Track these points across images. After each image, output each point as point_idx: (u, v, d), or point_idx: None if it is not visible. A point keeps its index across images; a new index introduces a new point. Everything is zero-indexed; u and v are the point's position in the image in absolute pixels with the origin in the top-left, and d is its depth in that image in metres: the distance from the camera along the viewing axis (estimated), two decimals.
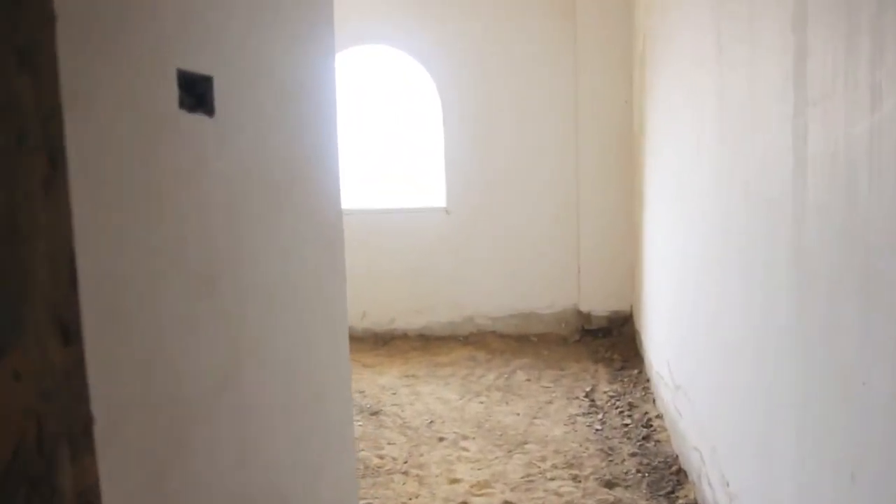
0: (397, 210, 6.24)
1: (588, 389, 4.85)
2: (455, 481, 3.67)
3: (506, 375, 5.24)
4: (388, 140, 6.76)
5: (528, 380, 5.12)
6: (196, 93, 1.42)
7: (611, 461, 3.79)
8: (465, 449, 4.05)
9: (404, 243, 6.20)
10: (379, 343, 6.21)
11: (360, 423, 4.45)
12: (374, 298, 6.29)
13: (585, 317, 6.01)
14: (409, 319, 6.28)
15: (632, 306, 5.90)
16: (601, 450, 3.93)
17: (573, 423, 4.32)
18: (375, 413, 4.63)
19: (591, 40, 5.72)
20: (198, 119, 1.43)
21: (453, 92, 5.98)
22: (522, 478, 3.67)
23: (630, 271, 5.85)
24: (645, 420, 4.24)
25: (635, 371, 5.12)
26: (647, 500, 3.37)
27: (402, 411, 4.64)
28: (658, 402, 4.32)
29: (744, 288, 2.40)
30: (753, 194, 2.25)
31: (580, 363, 5.43)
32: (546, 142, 5.94)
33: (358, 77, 6.41)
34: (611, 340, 5.88)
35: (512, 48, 5.88)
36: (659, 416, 4.20)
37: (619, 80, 5.71)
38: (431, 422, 4.43)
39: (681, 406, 3.50)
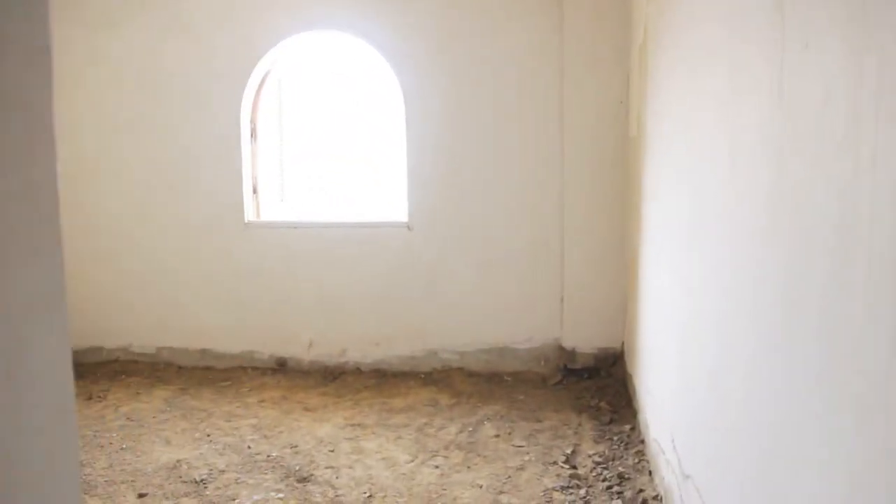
0: (351, 224, 5.34)
1: (569, 452, 3.96)
2: None
3: (470, 428, 4.35)
4: (342, 143, 5.85)
5: (497, 435, 4.23)
6: None
7: None
8: None
9: (359, 263, 5.31)
10: (327, 378, 5.31)
11: (281, 495, 3.55)
12: (323, 326, 5.39)
13: (569, 354, 5.13)
14: (364, 351, 5.38)
15: (623, 343, 5.03)
16: None
17: (549, 503, 3.43)
18: (304, 480, 3.71)
19: (580, 32, 4.86)
20: None
21: (417, 88, 5.10)
22: None
23: (622, 303, 4.98)
24: (640, 503, 3.36)
25: (627, 427, 4.24)
26: None
27: (337, 477, 3.73)
28: (656, 478, 3.44)
29: (823, 368, 1.52)
30: (842, 234, 1.38)
31: (561, 413, 4.55)
32: (526, 149, 5.07)
33: (308, 68, 5.52)
34: (598, 383, 5.00)
35: (487, 39, 5.01)
36: (658, 500, 3.31)
37: (613, 77, 4.85)
38: (370, 496, 3.53)
39: (691, 502, 2.62)
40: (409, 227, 5.22)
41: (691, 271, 2.79)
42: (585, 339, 5.10)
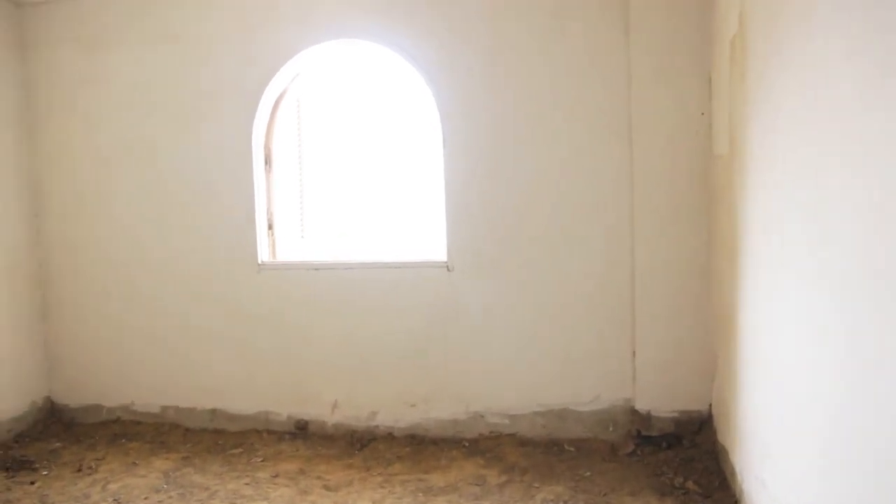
0: (381, 265, 4.56)
1: None
2: None
3: None
4: (371, 172, 5.10)
5: None
6: None
7: None
8: None
9: (391, 310, 4.52)
10: (354, 446, 4.50)
11: None
12: (349, 383, 4.61)
13: (643, 418, 4.25)
14: (397, 414, 4.57)
15: (712, 406, 4.13)
16: None
17: None
18: None
19: (650, 29, 4.06)
20: None
21: (457, 105, 4.33)
22: None
23: (710, 357, 4.09)
24: None
25: None
26: None
27: None
28: None
29: None
30: None
31: (639, 497, 3.66)
32: (587, 174, 4.25)
33: (331, 87, 4.81)
34: (680, 455, 4.10)
35: (539, 46, 4.24)
36: None
37: (691, 82, 4.02)
38: None
39: None
40: (448, 267, 4.43)
41: (854, 338, 1.93)
42: (663, 399, 4.21)
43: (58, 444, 4.74)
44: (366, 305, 4.54)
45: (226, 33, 4.55)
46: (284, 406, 4.71)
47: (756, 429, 3.06)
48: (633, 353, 4.26)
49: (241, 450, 4.53)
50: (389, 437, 4.57)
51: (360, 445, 4.51)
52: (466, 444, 4.42)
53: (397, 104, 4.86)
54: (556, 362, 4.35)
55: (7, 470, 4.35)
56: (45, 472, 4.30)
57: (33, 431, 4.96)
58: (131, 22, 4.69)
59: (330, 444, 4.55)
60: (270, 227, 4.76)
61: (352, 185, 5.03)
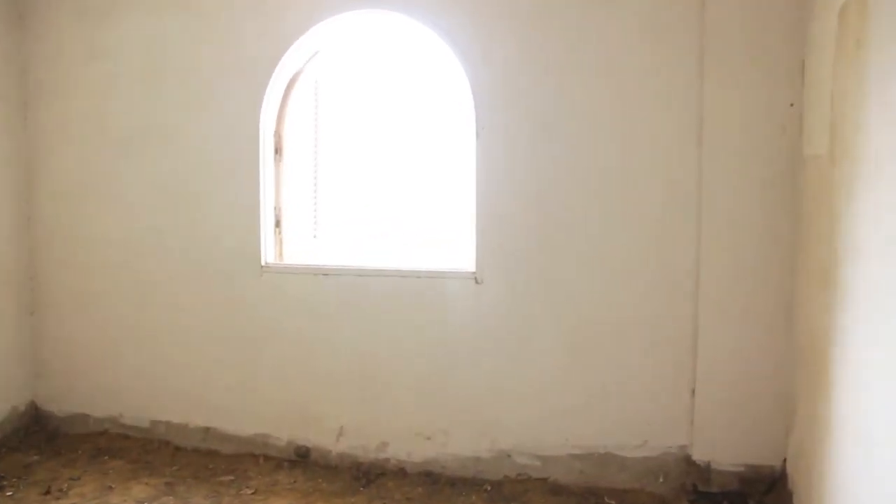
0: (401, 273, 3.95)
1: None
2: None
3: None
4: (393, 165, 4.49)
5: None
6: None
7: None
8: None
9: (409, 325, 3.91)
10: (359, 481, 3.90)
11: None
12: (357, 408, 4.02)
13: (701, 470, 3.55)
14: (410, 446, 3.95)
15: (786, 462, 3.41)
16: None
17: None
18: None
19: (730, 6, 3.37)
20: None
21: (497, 90, 3.70)
22: None
23: (788, 402, 3.38)
24: None
25: None
26: None
27: None
28: None
29: None
30: None
31: None
32: (643, 175, 3.57)
33: (351, 68, 4.21)
34: None
35: (595, 26, 3.58)
36: None
37: (777, 69, 3.32)
38: None
39: None
40: (476, 279, 3.80)
41: None
42: (727, 449, 3.51)
43: (35, 458, 4.25)
44: (380, 319, 3.94)
45: None
46: (284, 429, 4.13)
47: (852, 489, 2.35)
48: (692, 391, 3.56)
49: (232, 477, 3.97)
50: (400, 473, 3.95)
51: (366, 481, 3.90)
52: (489, 488, 3.77)
53: (425, 88, 4.24)
54: (598, 397, 3.67)
55: None
56: (9, 493, 3.80)
57: (12, 440, 4.47)
58: None
59: (332, 476, 3.96)
60: (278, 224, 4.20)
61: (372, 179, 4.43)
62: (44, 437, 4.56)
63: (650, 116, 3.53)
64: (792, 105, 3.28)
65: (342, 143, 4.39)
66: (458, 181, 4.02)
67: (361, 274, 3.99)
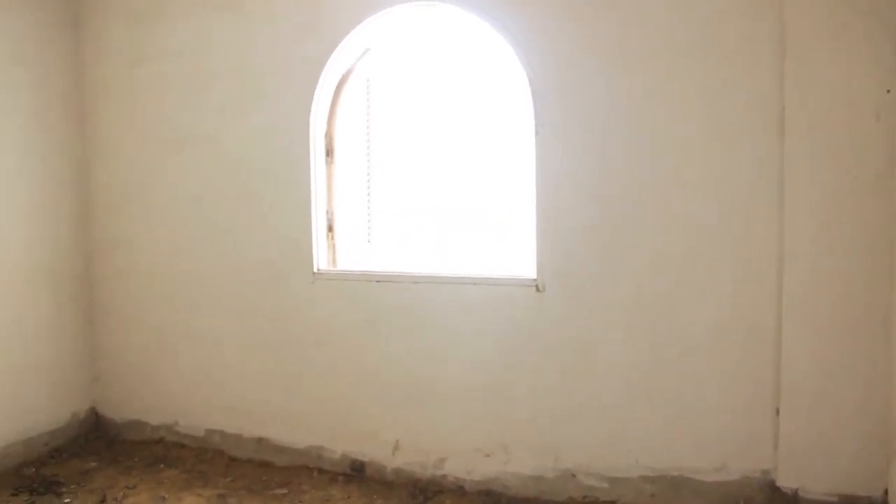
0: (459, 280, 3.74)
1: None
2: None
3: None
4: (450, 168, 4.29)
5: None
6: None
7: None
8: None
9: (467, 335, 3.70)
10: (416, 498, 3.73)
11: None
12: (414, 422, 3.84)
13: (787, 499, 3.21)
14: (469, 463, 3.74)
15: (887, 493, 3.05)
16: None
17: None
18: None
19: None
20: None
21: (555, 83, 3.45)
22: None
23: (888, 424, 3.02)
24: None
25: None
26: None
27: None
28: None
29: None
30: None
31: None
32: (717, 174, 3.26)
33: (405, 65, 4.03)
34: None
35: (658, 11, 3.29)
36: None
37: (870, 49, 2.96)
38: None
39: None
40: (538, 286, 3.55)
41: None
42: (817, 476, 3.16)
43: (93, 464, 4.23)
44: (437, 328, 3.74)
45: None
46: (339, 442, 3.99)
47: None
48: (777, 410, 3.23)
49: (285, 490, 3.85)
50: (459, 492, 3.75)
51: (423, 498, 3.72)
52: None
53: (480, 85, 4.02)
54: (670, 415, 3.38)
55: (31, 492, 3.87)
56: (66, 500, 3.77)
57: (73, 446, 4.48)
58: None
59: (388, 492, 3.79)
60: (330, 228, 4.05)
61: (428, 181, 4.23)
62: (103, 444, 4.55)
63: (724, 108, 3.22)
64: (888, 91, 2.91)
65: (396, 143, 4.21)
66: (515, 181, 3.79)
67: (417, 281, 3.80)
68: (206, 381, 4.28)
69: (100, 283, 4.57)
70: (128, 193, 4.40)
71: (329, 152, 4.01)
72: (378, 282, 3.84)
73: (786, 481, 3.21)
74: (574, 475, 3.55)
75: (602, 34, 3.36)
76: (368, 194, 4.24)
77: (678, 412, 3.37)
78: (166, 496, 3.81)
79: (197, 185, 4.18)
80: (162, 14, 4.19)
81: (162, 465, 4.20)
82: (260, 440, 4.17)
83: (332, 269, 4.02)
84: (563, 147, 3.45)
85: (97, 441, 4.60)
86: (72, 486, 3.94)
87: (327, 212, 4.03)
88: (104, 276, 4.55)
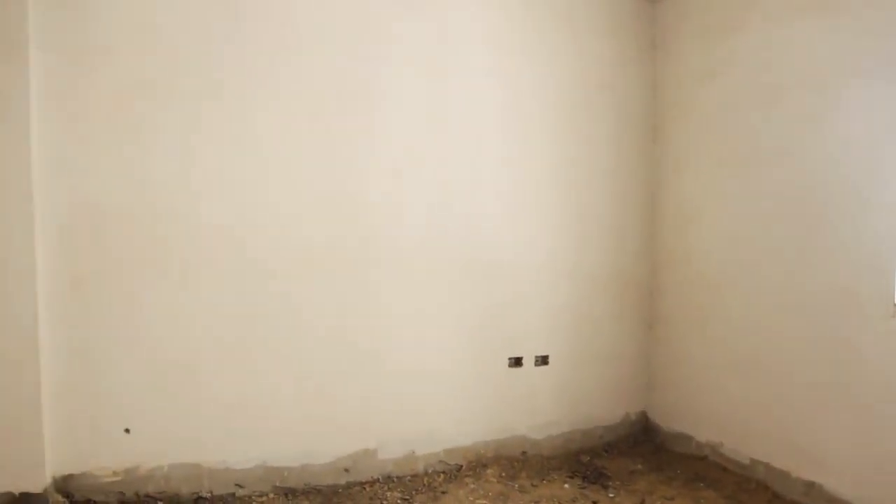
0: None
1: None
2: None
3: None
4: None
5: None
6: None
7: None
8: None
9: None
10: None
11: None
12: None
13: None
14: None
15: None
16: None
17: None
18: None
19: None
20: None
21: None
22: None
23: None
24: None
25: None
26: None
27: None
28: None
29: None
30: None
31: None
32: None
33: None
34: None
35: None
36: None
37: None
38: None
39: None
40: None
41: None
42: None
43: (638, 466, 4.42)
44: None
45: None
46: None
47: None
48: None
49: None
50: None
51: None
52: None
53: None
54: None
55: (584, 479, 4.24)
56: (611, 495, 4.02)
57: (622, 444, 4.77)
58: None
59: None
60: None
61: None
62: (650, 448, 4.72)
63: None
64: None
65: None
66: None
67: None
68: (753, 406, 4.04)
69: (662, 294, 4.74)
70: (688, 209, 4.45)
71: None
72: None
73: None
74: None
75: None
76: None
77: None
78: None
79: (755, 203, 3.97)
80: (732, 26, 4.10)
81: (702, 484, 4.13)
82: (811, 484, 3.74)
83: None
84: None
85: (644, 444, 4.79)
86: (617, 483, 4.17)
87: None
88: (666, 287, 4.70)
